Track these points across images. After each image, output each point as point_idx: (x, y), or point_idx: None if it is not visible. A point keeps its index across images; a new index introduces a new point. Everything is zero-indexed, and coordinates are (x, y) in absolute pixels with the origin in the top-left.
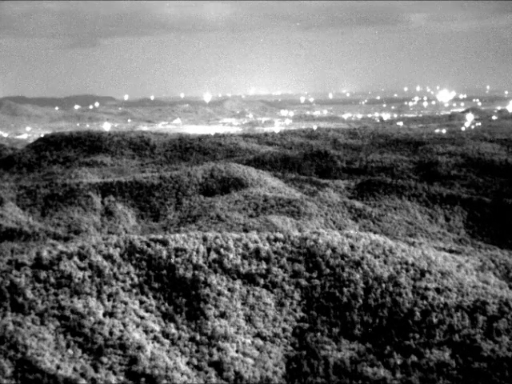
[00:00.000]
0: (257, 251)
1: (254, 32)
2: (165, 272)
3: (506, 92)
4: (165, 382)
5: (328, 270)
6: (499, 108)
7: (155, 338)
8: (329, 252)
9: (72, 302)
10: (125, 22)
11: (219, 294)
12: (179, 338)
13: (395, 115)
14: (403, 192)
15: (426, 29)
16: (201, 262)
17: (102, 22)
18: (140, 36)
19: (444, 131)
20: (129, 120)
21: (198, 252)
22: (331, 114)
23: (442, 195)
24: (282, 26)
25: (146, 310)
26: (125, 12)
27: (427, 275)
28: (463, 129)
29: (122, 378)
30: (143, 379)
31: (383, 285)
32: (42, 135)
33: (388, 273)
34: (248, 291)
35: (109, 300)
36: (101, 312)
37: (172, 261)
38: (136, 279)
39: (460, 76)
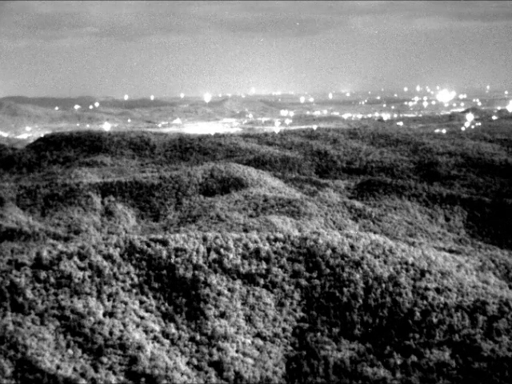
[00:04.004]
0: (257, 251)
1: (254, 32)
2: (165, 272)
3: (506, 92)
4: (165, 382)
5: (328, 270)
6: (499, 108)
7: (155, 338)
8: (329, 252)
9: (72, 302)
10: (129, 23)
11: (219, 293)
12: (179, 338)
13: (395, 115)
14: (403, 192)
15: (426, 28)
16: (201, 262)
17: (103, 22)
18: (140, 36)
19: (444, 131)
20: (129, 120)
21: (198, 252)
22: (331, 113)
23: (441, 195)
24: (282, 26)
25: (146, 310)
26: (129, 13)
27: (427, 275)
28: (463, 129)
29: (121, 378)
30: (143, 379)
31: (383, 285)
32: (42, 135)
33: (388, 273)
34: (248, 291)
35: (109, 300)
36: (101, 312)
37: (172, 261)
38: (136, 279)
39: (460, 76)
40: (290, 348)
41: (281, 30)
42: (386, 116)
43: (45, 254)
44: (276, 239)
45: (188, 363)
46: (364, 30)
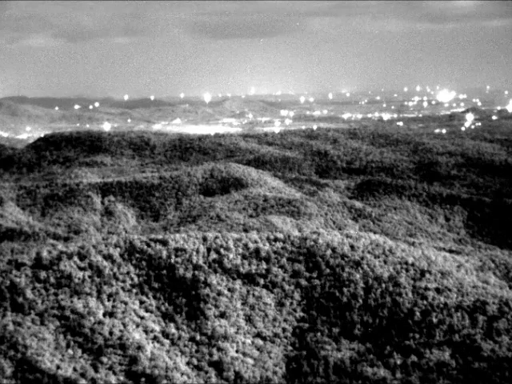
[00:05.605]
0: (257, 251)
1: (254, 32)
2: (165, 272)
3: (506, 92)
4: (165, 382)
5: (328, 270)
6: (499, 108)
7: (155, 338)
8: (329, 252)
9: (72, 302)
10: (131, 22)
11: (219, 293)
12: (179, 338)
13: (395, 115)
14: (403, 192)
15: (425, 28)
16: (201, 262)
17: (102, 22)
18: (140, 36)
19: (444, 131)
20: (129, 120)
21: (197, 252)
22: (331, 113)
23: (441, 195)
24: (281, 25)
25: (146, 310)
26: (132, 12)
27: (427, 275)
28: (463, 129)
29: (121, 378)
30: (143, 379)
31: (383, 285)
32: (42, 135)
33: (388, 273)
34: (248, 291)
35: (109, 300)
36: (101, 312)
37: (172, 261)
38: (136, 279)
39: (460, 76)
40: (290, 348)
41: (283, 29)
42: (386, 116)
43: (45, 254)
44: (276, 239)
45: (188, 363)
46: (365, 30)
